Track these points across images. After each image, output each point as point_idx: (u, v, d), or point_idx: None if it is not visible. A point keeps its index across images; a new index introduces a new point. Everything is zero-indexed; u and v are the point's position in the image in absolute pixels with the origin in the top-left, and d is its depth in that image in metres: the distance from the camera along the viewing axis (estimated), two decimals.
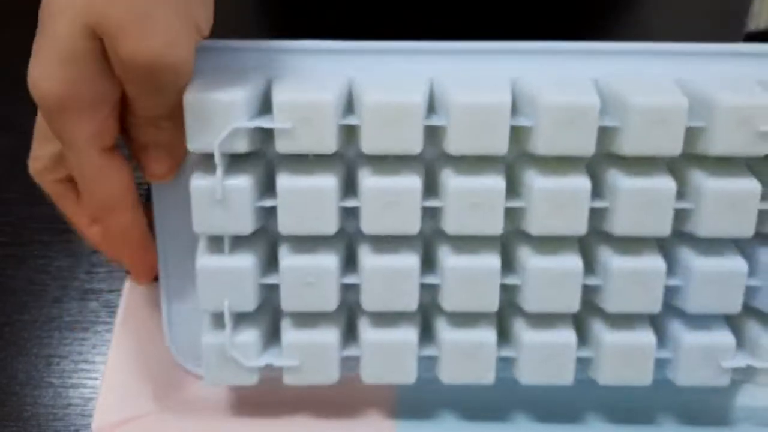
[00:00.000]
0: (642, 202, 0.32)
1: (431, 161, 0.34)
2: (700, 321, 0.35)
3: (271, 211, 0.33)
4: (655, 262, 0.33)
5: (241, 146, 0.32)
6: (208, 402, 0.39)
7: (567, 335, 0.34)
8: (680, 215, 0.33)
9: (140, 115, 0.33)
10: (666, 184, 0.32)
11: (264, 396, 0.38)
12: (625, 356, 0.34)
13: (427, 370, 0.36)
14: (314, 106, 0.31)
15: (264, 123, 0.32)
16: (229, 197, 0.32)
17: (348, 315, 0.37)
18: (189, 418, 0.38)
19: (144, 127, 0.33)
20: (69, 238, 0.44)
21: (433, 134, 0.33)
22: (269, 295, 0.36)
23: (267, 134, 0.33)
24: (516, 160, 0.34)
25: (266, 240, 0.36)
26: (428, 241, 0.36)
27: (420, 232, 0.33)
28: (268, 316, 0.37)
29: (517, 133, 0.33)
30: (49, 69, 0.30)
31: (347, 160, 0.35)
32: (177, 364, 0.39)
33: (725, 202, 0.32)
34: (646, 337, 0.34)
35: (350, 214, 0.34)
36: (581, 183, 0.32)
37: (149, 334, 0.39)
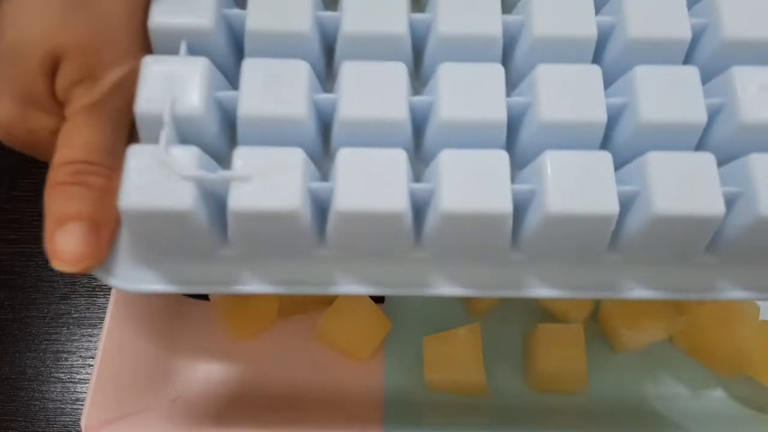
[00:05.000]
0: None
1: None
2: None
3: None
4: None
5: None
6: (196, 400, 0.38)
7: None
8: None
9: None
10: None
11: (254, 397, 0.38)
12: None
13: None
14: None
15: None
16: None
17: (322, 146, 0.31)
18: (179, 416, 0.38)
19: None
20: None
21: None
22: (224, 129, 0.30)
23: None
24: None
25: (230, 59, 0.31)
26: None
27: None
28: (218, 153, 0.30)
29: None
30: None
31: None
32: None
33: None
34: None
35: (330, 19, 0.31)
36: None
37: (139, 331, 0.39)
